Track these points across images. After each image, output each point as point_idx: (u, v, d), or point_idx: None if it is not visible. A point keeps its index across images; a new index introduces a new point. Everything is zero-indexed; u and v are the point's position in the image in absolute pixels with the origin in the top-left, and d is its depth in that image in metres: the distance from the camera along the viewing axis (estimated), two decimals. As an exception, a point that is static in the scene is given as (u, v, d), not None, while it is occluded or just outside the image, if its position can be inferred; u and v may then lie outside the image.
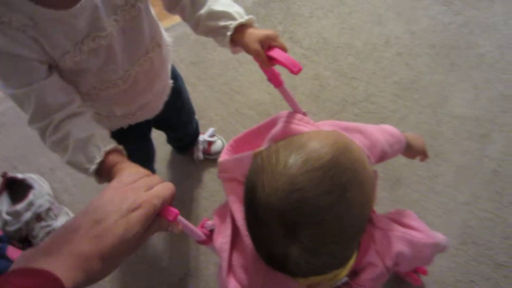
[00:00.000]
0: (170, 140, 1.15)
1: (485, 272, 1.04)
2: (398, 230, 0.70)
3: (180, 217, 0.54)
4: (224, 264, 0.56)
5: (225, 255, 0.56)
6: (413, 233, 0.71)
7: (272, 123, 0.62)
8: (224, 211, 0.60)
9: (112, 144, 0.55)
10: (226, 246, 0.56)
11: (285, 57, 0.58)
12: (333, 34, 1.36)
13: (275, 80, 0.64)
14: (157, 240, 1.12)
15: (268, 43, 0.60)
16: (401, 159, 1.16)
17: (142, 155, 0.95)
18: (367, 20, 1.39)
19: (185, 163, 1.20)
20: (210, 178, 1.19)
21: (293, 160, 0.46)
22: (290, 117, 0.61)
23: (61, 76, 0.58)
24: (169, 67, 0.83)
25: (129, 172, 0.48)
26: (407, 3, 1.42)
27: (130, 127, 0.81)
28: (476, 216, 1.10)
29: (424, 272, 1.01)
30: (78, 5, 0.53)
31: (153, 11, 0.69)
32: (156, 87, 0.77)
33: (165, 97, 0.84)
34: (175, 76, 0.88)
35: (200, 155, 1.16)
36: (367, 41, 1.35)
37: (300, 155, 0.46)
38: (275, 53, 0.59)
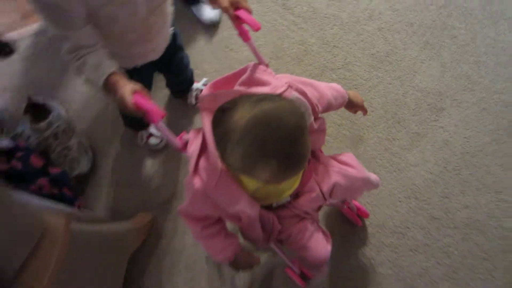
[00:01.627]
0: (168, 84, 1.31)
1: (420, 222, 1.23)
2: (337, 166, 0.88)
3: (162, 124, 0.73)
4: (192, 166, 0.74)
5: (193, 160, 0.74)
6: (349, 169, 0.88)
7: (243, 71, 0.79)
8: (198, 130, 0.78)
9: (113, 68, 0.75)
10: (195, 154, 0.74)
11: (248, 17, 0.74)
12: (322, 4, 1.48)
13: (244, 36, 0.79)
14: (148, 163, 1.30)
15: (236, 5, 0.76)
16: (366, 122, 1.33)
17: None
18: (356, -6, 1.50)
19: (180, 106, 1.37)
20: (200, 119, 1.36)
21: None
22: (255, 68, 0.78)
23: (97, 22, 0.75)
24: (171, 17, 1.00)
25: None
26: (396, -18, 1.52)
27: (141, 67, 0.98)
28: (422, 176, 1.28)
29: (366, 215, 1.20)
30: None
31: None
32: (164, 33, 0.95)
33: (167, 41, 1.01)
34: (173, 24, 1.04)
35: (193, 100, 1.32)
36: (352, 14, 1.47)
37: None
38: (241, 13, 0.75)
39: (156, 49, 0.99)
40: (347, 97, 0.89)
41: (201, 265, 1.19)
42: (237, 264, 0.86)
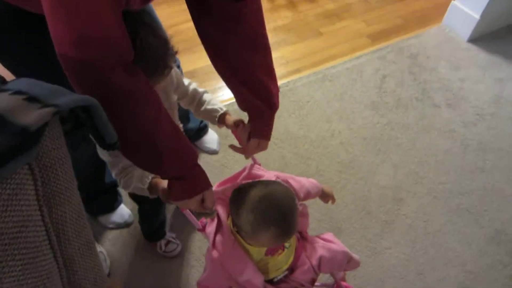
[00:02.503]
0: None
1: (403, 297, 1.39)
2: (321, 242, 1.11)
3: (188, 212, 0.96)
4: (210, 242, 0.95)
5: (211, 236, 0.95)
6: (331, 244, 1.11)
7: (243, 171, 1.07)
8: (213, 218, 1.01)
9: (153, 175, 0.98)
10: (213, 232, 0.96)
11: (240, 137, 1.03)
12: (295, 128, 1.86)
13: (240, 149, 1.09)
14: (161, 271, 1.45)
15: (237, 123, 1.07)
16: (342, 215, 1.57)
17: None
18: (319, 120, 1.90)
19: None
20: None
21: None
22: (251, 166, 1.06)
23: None
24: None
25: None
26: (348, 109, 1.95)
27: None
28: (396, 257, 1.48)
29: None
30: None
31: None
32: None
33: None
34: None
35: None
36: (318, 133, 1.84)
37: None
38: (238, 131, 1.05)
39: None
40: (321, 188, 1.17)
41: None
42: None
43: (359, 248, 1.50)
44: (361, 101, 1.98)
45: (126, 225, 1.53)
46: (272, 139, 1.44)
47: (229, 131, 1.12)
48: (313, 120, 1.89)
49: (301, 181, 1.10)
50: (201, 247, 1.50)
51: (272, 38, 2.30)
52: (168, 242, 1.46)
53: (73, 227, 0.68)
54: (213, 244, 0.96)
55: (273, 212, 0.88)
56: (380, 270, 1.44)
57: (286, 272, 1.06)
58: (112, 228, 1.53)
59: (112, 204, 1.51)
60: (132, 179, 0.97)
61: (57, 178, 0.61)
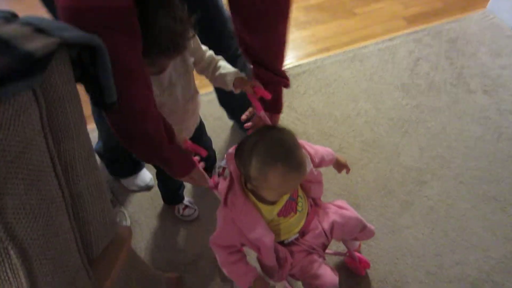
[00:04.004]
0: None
1: (418, 277, 1.34)
2: (334, 208, 1.09)
3: (201, 168, 0.97)
4: (222, 200, 0.96)
5: (223, 195, 0.96)
6: (343, 210, 1.09)
7: None
8: (224, 178, 1.01)
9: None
10: (224, 190, 0.96)
11: (261, 91, 1.00)
12: (320, 105, 1.83)
13: (258, 108, 1.06)
14: (177, 230, 1.48)
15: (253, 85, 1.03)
16: (362, 193, 1.53)
17: None
18: (345, 98, 1.86)
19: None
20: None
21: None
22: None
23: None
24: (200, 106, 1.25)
25: None
26: (377, 89, 1.89)
27: None
28: (414, 237, 1.43)
29: (367, 264, 1.32)
30: (165, 72, 0.98)
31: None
32: (195, 115, 1.23)
33: (196, 123, 1.28)
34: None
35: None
36: (343, 112, 1.80)
37: None
38: (257, 89, 1.01)
39: (189, 128, 1.25)
40: (335, 156, 1.14)
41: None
42: None
43: (376, 225, 1.43)
44: (391, 82, 1.91)
45: (147, 188, 1.57)
46: (295, 114, 1.45)
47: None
48: (339, 98, 1.85)
49: (315, 147, 1.08)
50: (219, 214, 1.51)
51: (303, 16, 2.26)
52: (186, 207, 1.49)
53: (82, 164, 0.70)
54: (225, 201, 0.97)
55: (276, 148, 0.86)
56: (396, 248, 1.40)
57: (297, 235, 1.05)
58: (134, 191, 1.57)
59: (135, 168, 1.56)
60: None
61: (65, 113, 0.63)
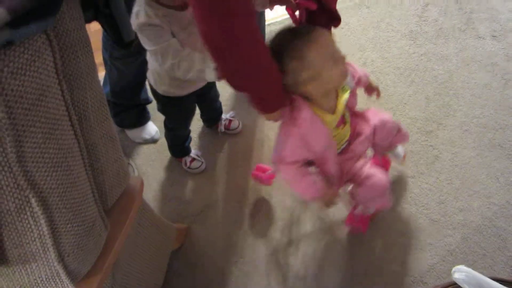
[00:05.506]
0: (202, 115, 1.57)
1: (422, 225, 1.39)
2: (371, 115, 1.17)
3: None
4: (288, 121, 1.00)
5: (289, 114, 1.00)
6: (380, 115, 1.17)
7: None
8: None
9: None
10: (288, 112, 1.00)
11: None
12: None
13: (294, 19, 1.05)
14: (184, 181, 1.51)
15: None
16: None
17: (190, 114, 1.38)
18: (351, 47, 1.82)
19: (212, 133, 1.62)
20: (229, 145, 1.60)
21: None
22: None
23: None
24: None
25: None
26: (383, 38, 1.85)
27: (188, 96, 1.21)
28: (418, 186, 1.46)
29: (388, 164, 1.44)
30: (187, 10, 0.97)
31: None
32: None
33: None
34: None
35: (222, 128, 1.57)
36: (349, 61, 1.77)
37: None
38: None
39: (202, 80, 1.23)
40: (369, 79, 1.21)
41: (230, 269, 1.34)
42: (324, 198, 1.11)
43: (381, 175, 1.48)
44: (399, 29, 1.87)
45: (153, 141, 1.58)
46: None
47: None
48: (345, 47, 1.81)
49: (354, 66, 1.15)
50: (225, 166, 1.53)
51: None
52: (193, 159, 1.50)
53: (95, 114, 0.70)
54: (292, 120, 0.99)
55: (300, 29, 0.95)
56: (400, 198, 1.44)
57: (345, 144, 1.14)
58: (139, 143, 1.58)
59: (141, 119, 1.56)
60: (193, 63, 0.99)
61: (78, 61, 0.62)
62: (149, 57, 1.11)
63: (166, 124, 1.41)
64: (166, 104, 1.26)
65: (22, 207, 0.57)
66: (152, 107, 1.54)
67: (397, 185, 1.46)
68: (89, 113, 0.68)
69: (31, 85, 0.51)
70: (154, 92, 1.23)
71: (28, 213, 0.59)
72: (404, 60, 1.77)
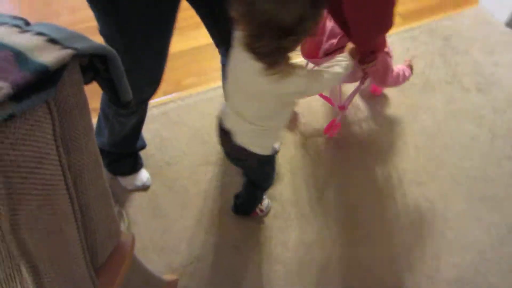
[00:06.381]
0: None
1: (417, 282, 1.38)
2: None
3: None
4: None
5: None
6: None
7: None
8: None
9: None
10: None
11: None
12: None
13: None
14: (175, 229, 1.48)
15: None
16: (355, 195, 1.55)
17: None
18: (342, 98, 1.87)
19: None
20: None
21: None
22: None
23: None
24: None
25: None
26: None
27: None
28: (413, 237, 1.46)
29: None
30: None
31: None
32: None
33: None
34: None
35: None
36: (341, 111, 1.82)
37: None
38: None
39: None
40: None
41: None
42: None
43: (372, 228, 1.48)
44: (387, 81, 1.93)
45: (144, 188, 1.56)
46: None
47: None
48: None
49: None
50: (214, 210, 1.52)
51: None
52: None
53: (89, 175, 0.70)
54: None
55: None
56: (393, 252, 1.43)
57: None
58: (131, 190, 1.57)
59: (135, 166, 1.55)
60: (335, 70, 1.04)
61: (75, 124, 0.63)
62: (266, 120, 1.06)
63: (266, 185, 1.38)
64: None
65: (12, 276, 0.56)
66: (144, 153, 1.55)
67: (391, 238, 1.46)
68: (84, 174, 0.68)
69: (30, 154, 0.51)
70: (267, 159, 1.18)
71: (18, 281, 0.57)
72: (393, 111, 1.82)
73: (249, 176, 1.35)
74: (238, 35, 0.93)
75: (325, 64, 1.05)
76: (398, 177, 1.61)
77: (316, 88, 1.06)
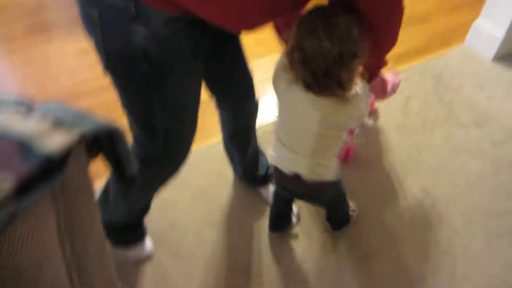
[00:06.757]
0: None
1: None
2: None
3: None
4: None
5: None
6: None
7: None
8: None
9: None
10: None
11: None
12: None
13: None
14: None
15: None
16: (370, 244, 1.49)
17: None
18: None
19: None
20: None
21: None
22: None
23: None
24: None
25: None
26: (371, 134, 1.91)
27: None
28: (434, 286, 1.39)
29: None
30: None
31: None
32: None
33: None
34: None
35: None
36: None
37: None
38: None
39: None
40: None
41: None
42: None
43: (390, 278, 1.42)
44: (385, 124, 1.94)
45: (147, 258, 1.49)
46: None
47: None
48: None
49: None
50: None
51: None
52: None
53: (94, 262, 0.66)
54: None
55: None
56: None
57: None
58: (134, 262, 1.49)
59: (139, 235, 1.48)
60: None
61: (80, 208, 0.60)
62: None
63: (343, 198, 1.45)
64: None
65: None
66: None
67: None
68: (89, 262, 0.64)
69: (32, 257, 0.47)
70: (334, 184, 1.26)
71: None
72: (395, 153, 1.81)
73: (327, 205, 1.45)
74: (291, 80, 1.00)
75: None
76: (408, 219, 1.56)
77: (367, 109, 1.12)
